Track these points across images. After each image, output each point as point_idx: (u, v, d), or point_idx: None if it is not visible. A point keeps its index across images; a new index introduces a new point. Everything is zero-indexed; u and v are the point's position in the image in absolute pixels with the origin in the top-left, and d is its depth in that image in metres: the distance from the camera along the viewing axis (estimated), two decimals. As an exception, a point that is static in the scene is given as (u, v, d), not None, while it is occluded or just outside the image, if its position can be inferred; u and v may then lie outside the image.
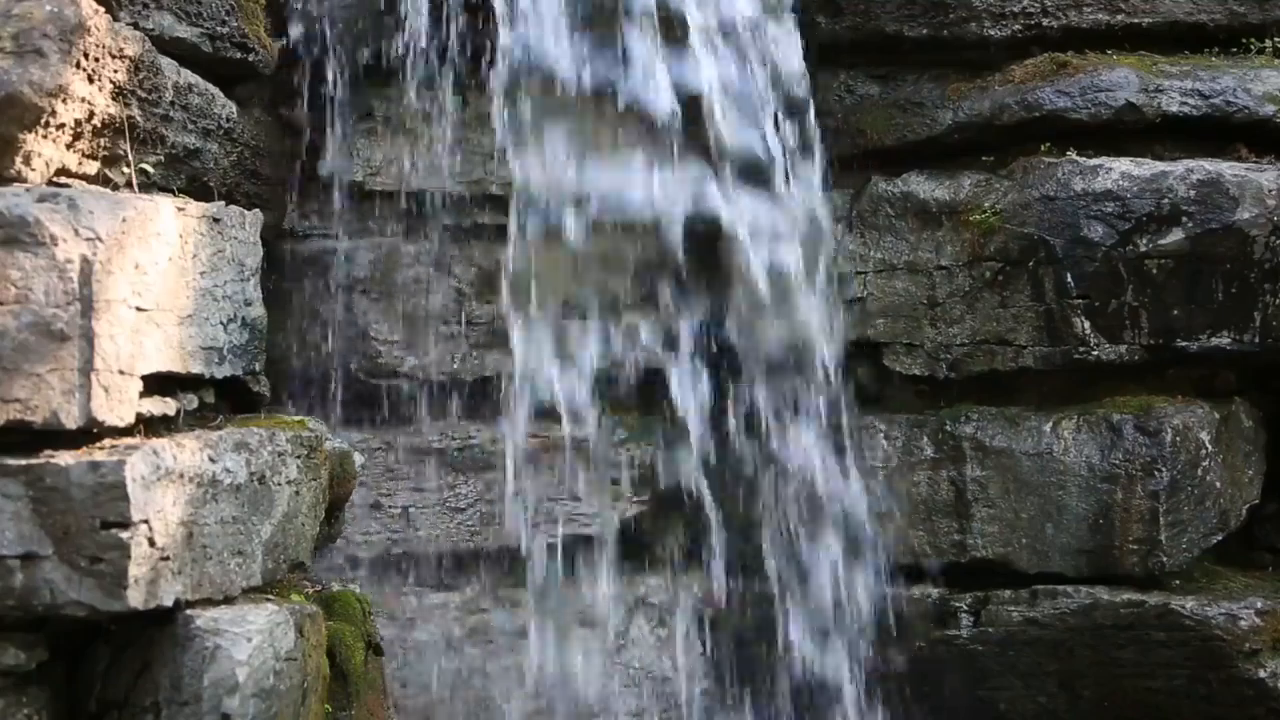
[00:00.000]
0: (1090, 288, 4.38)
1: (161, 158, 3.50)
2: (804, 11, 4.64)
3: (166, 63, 3.50)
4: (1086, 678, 4.40)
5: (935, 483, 4.58)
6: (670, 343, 4.59)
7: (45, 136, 3.06)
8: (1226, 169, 4.38)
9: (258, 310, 3.51)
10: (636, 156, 4.42)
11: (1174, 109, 4.49)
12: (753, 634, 4.65)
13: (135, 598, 2.81)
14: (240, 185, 3.98)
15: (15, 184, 2.99)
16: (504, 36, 4.27)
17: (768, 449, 4.56)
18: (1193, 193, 4.33)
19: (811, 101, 4.57)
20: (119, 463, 2.79)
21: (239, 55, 3.89)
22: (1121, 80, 4.50)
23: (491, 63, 4.31)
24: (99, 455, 2.82)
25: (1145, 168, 4.40)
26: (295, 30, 4.27)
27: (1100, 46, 4.64)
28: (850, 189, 4.76)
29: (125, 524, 2.78)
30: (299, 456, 3.35)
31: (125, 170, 3.31)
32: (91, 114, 3.16)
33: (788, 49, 4.56)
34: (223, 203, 3.42)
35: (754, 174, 4.50)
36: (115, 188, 3.27)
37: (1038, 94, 4.52)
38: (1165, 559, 4.36)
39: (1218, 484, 4.45)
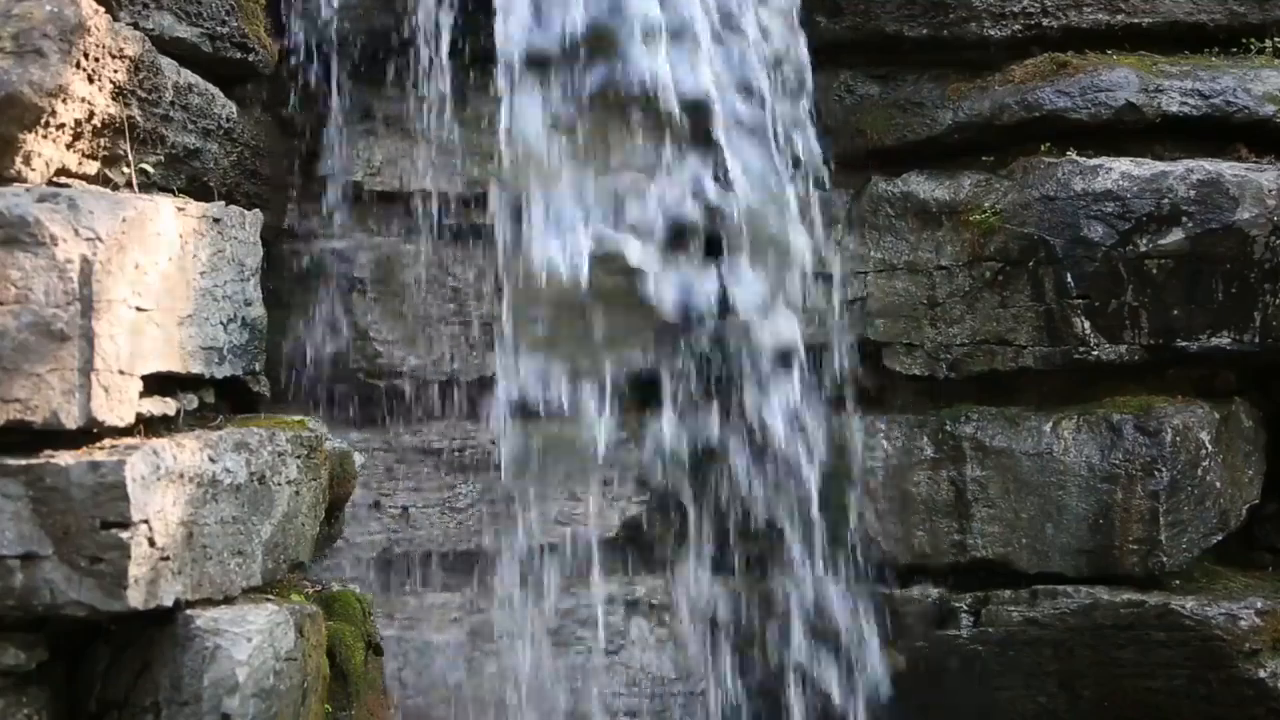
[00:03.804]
0: (1090, 288, 4.38)
1: (161, 158, 3.50)
2: (804, 11, 4.64)
3: (166, 63, 3.50)
4: (1086, 678, 4.40)
5: (935, 483, 4.58)
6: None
7: (45, 136, 3.06)
8: (1226, 169, 4.38)
9: (258, 310, 3.51)
10: None
11: (1174, 109, 4.49)
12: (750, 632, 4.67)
13: (135, 598, 2.81)
14: (240, 185, 3.98)
15: (15, 184, 2.99)
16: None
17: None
18: (1193, 193, 4.33)
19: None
20: (119, 463, 2.79)
21: (239, 55, 3.89)
22: (1121, 80, 4.50)
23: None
24: (99, 455, 2.82)
25: (1145, 168, 4.40)
26: (295, 30, 4.27)
27: (1100, 46, 4.64)
28: (850, 189, 4.76)
29: (125, 524, 2.78)
30: (299, 456, 3.36)
31: (125, 170, 3.31)
32: (91, 114, 3.16)
33: None
34: (223, 203, 3.42)
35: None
36: (115, 188, 3.27)
37: (1038, 94, 4.52)
38: (1165, 559, 4.35)
39: (1218, 484, 4.45)
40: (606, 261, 4.39)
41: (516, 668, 4.47)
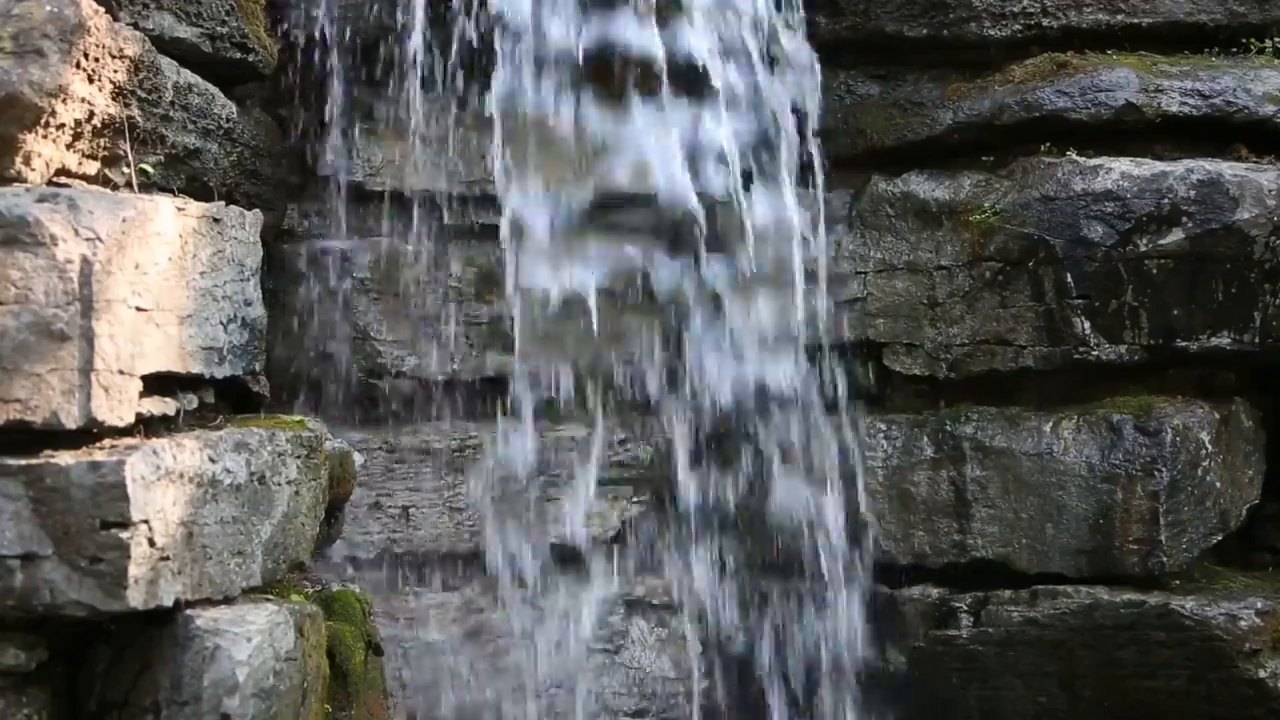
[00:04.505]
0: (1090, 288, 4.38)
1: (161, 158, 3.50)
2: (804, 11, 4.64)
3: (166, 63, 3.50)
4: (1087, 678, 4.40)
5: (935, 483, 4.57)
6: None
7: (45, 136, 3.06)
8: (1226, 169, 4.38)
9: (258, 310, 3.51)
10: None
11: (1174, 109, 4.49)
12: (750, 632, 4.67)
13: (135, 598, 2.81)
14: (240, 185, 3.98)
15: (15, 184, 2.99)
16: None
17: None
18: (1193, 193, 4.33)
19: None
20: (119, 463, 2.79)
21: (239, 55, 3.89)
22: (1121, 80, 4.50)
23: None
24: (99, 455, 2.82)
25: (1145, 168, 4.40)
26: (295, 30, 4.27)
27: (1100, 46, 4.64)
28: (850, 189, 4.76)
29: (125, 524, 2.78)
30: (299, 456, 3.36)
31: (125, 170, 3.31)
32: (91, 114, 3.16)
33: None
34: (223, 203, 3.42)
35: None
36: (115, 188, 3.27)
37: (1038, 94, 4.52)
38: (1165, 559, 4.35)
39: (1218, 484, 4.45)
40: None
41: (516, 668, 4.47)
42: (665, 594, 4.67)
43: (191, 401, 3.24)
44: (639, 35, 4.37)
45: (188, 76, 3.63)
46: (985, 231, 4.51)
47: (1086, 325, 4.39)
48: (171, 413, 3.13)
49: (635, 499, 4.67)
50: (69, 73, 3.04)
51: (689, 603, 4.67)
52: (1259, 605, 4.31)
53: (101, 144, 3.24)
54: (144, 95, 3.37)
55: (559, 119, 4.37)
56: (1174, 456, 4.36)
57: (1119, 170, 4.40)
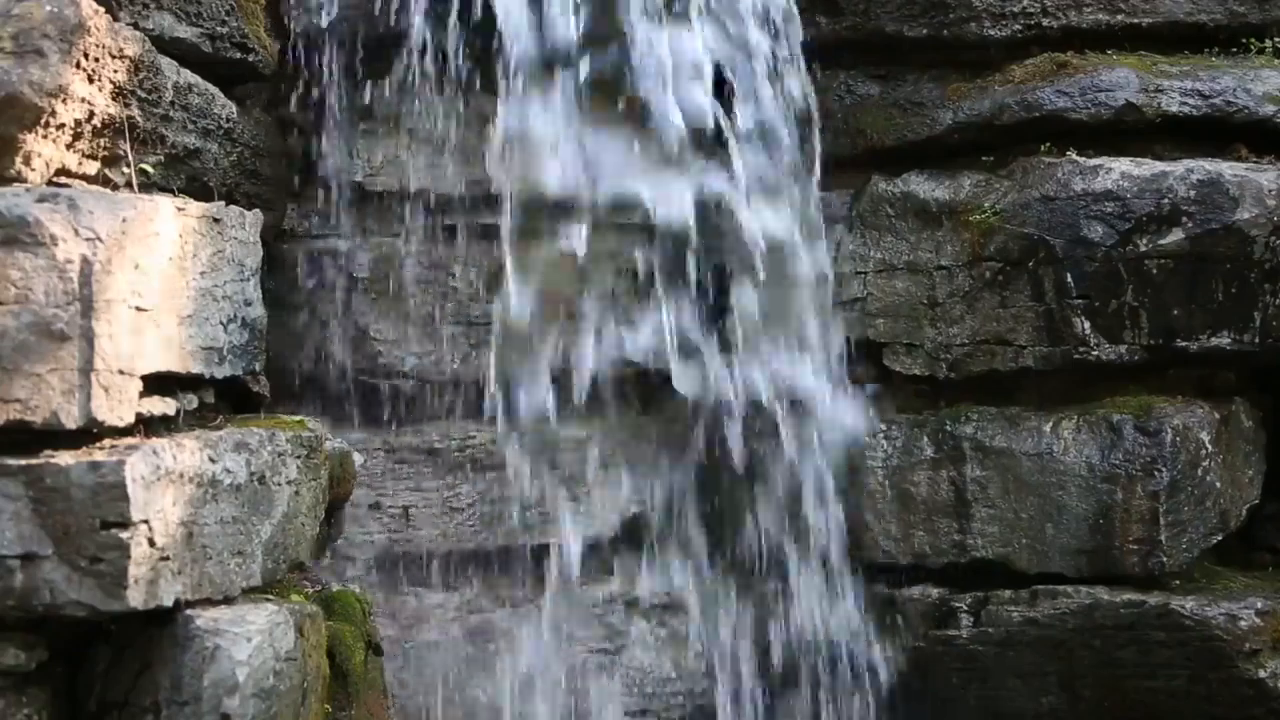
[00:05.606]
0: (1090, 288, 4.38)
1: (161, 158, 3.50)
2: (804, 12, 4.64)
3: (166, 63, 3.50)
4: (1087, 678, 4.40)
5: (935, 483, 4.57)
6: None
7: (45, 136, 3.06)
8: (1226, 169, 4.38)
9: (258, 310, 3.51)
10: None
11: (1174, 109, 4.49)
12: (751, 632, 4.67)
13: (135, 598, 2.81)
14: (240, 185, 3.98)
15: (15, 184, 2.99)
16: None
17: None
18: (1193, 193, 4.33)
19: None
20: (119, 463, 2.79)
21: (239, 55, 3.89)
22: (1121, 80, 4.50)
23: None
24: (99, 455, 2.82)
25: (1145, 168, 4.40)
26: (295, 30, 4.27)
27: (1100, 46, 4.65)
28: (850, 189, 4.76)
29: (125, 524, 2.78)
30: (299, 456, 3.36)
31: (125, 170, 3.31)
32: (91, 114, 3.16)
33: None
34: (223, 203, 3.42)
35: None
36: (115, 188, 3.27)
37: (1038, 94, 4.52)
38: (1165, 559, 4.35)
39: (1218, 484, 4.45)
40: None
41: (516, 668, 4.47)
42: (665, 594, 4.67)
43: (191, 401, 3.24)
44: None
45: (188, 76, 3.63)
46: (985, 231, 4.51)
47: (1086, 325, 4.39)
48: (171, 413, 3.13)
49: (636, 499, 4.67)
50: (69, 73, 3.04)
51: (690, 602, 4.67)
52: (1259, 605, 4.31)
53: (101, 144, 3.24)
54: (144, 95, 3.37)
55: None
56: (1174, 456, 4.36)
57: (1119, 170, 4.40)
